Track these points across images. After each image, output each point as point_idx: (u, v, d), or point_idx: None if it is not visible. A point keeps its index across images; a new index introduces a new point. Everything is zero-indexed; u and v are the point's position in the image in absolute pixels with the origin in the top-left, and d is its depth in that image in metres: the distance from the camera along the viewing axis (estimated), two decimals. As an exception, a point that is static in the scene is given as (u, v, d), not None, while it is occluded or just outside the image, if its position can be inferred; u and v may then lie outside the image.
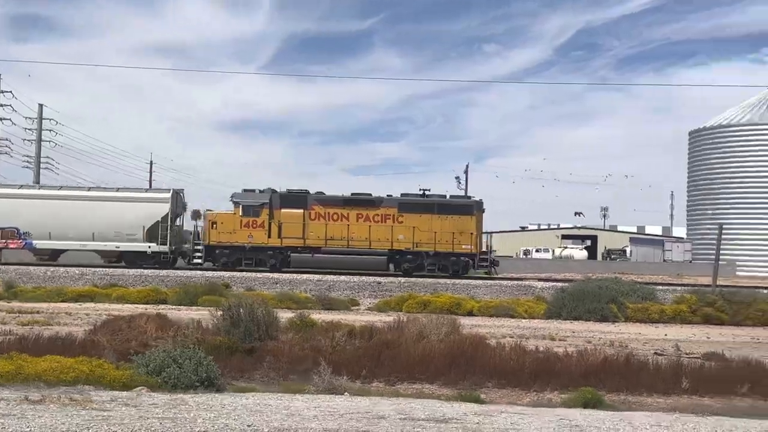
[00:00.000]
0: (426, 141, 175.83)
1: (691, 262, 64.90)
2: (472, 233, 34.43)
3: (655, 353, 15.04)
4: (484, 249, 35.30)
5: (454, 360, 13.68)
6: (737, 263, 62.78)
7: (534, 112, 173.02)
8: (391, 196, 35.40)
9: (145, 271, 31.37)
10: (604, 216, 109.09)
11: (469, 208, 35.18)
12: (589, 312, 23.07)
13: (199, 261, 34.87)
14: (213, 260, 34.66)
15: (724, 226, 33.91)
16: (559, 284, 30.99)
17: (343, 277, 31.13)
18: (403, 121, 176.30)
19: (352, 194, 35.61)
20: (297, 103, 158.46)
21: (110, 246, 35.12)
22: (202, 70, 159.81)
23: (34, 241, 34.96)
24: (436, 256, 34.43)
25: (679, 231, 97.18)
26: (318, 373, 10.41)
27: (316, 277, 31.41)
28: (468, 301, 25.72)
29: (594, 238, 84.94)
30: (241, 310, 14.11)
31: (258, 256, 34.58)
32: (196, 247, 35.20)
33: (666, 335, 19.24)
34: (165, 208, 35.34)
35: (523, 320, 22.83)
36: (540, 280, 34.50)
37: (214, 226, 34.55)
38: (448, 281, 31.92)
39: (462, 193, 55.59)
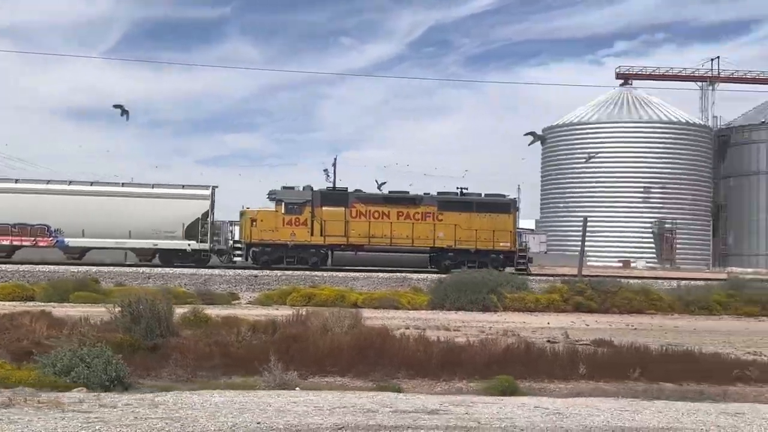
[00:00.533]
0: (282, 133, 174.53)
1: (546, 253, 68.32)
2: (510, 231, 35.71)
3: (548, 341, 15.68)
4: (520, 247, 36.64)
5: (362, 352, 13.68)
6: (587, 253, 66.81)
7: (387, 107, 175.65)
8: (428, 194, 36.26)
9: (2, 266, 29.13)
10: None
11: (506, 206, 36.67)
12: (472, 302, 23.85)
13: (239, 259, 34.97)
14: (254, 258, 34.33)
15: (571, 218, 36.51)
16: (434, 275, 31.62)
17: (217, 271, 30.78)
18: (258, 112, 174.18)
19: (390, 192, 36.90)
20: (148, 91, 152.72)
21: (147, 244, 34.73)
22: (41, 53, 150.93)
23: (66, 239, 34.11)
24: (477, 253, 35.32)
25: (527, 224, 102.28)
26: (268, 369, 10.25)
27: (190, 271, 30.76)
28: (350, 293, 25.91)
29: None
30: (141, 306, 13.67)
31: (300, 254, 34.77)
32: (236, 245, 35.32)
33: (549, 323, 20.24)
34: (205, 205, 35.41)
35: (411, 311, 23.22)
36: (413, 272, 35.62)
37: (254, 223, 34.60)
38: (325, 274, 31.82)
39: (330, 185, 55.97)
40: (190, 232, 34.99)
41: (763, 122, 73.29)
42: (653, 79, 78.62)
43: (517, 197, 42.97)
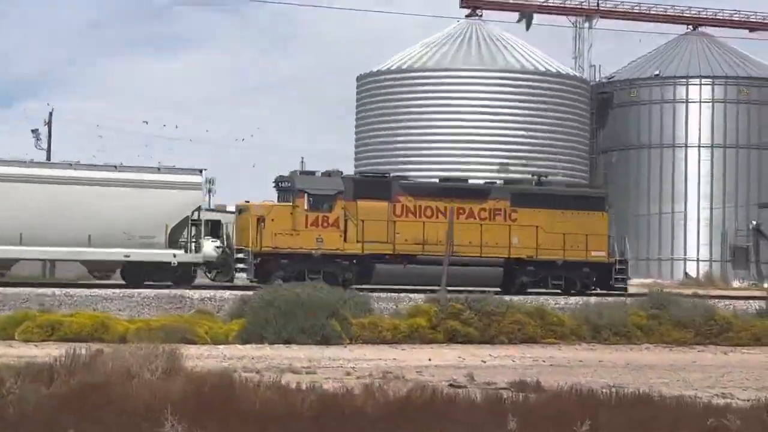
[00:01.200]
0: None
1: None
2: (604, 235, 36.39)
3: (450, 385, 16.53)
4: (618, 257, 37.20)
5: (202, 407, 14.13)
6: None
7: (98, 33, 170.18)
8: (494, 183, 36.97)
9: None
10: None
11: (599, 201, 37.53)
12: (305, 332, 24.38)
13: (243, 274, 34.08)
14: (264, 275, 32.92)
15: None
16: (225, 293, 31.97)
17: None
18: None
19: (444, 180, 38.00)
20: None
21: (114, 255, 34.27)
22: None
23: None
24: (564, 266, 36.16)
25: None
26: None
27: None
28: (113, 321, 25.67)
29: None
30: None
31: (327, 267, 34.41)
32: (238, 256, 34.29)
33: (430, 360, 21.38)
34: (197, 198, 35.85)
35: (219, 347, 23.44)
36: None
37: (263, 223, 34.00)
38: (48, 290, 31.13)
39: (43, 154, 54.59)
40: (175, 236, 35.17)
41: (657, 74, 79.18)
42: (510, 10, 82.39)
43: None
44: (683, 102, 78.34)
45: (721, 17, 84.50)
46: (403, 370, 18.89)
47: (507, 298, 30.41)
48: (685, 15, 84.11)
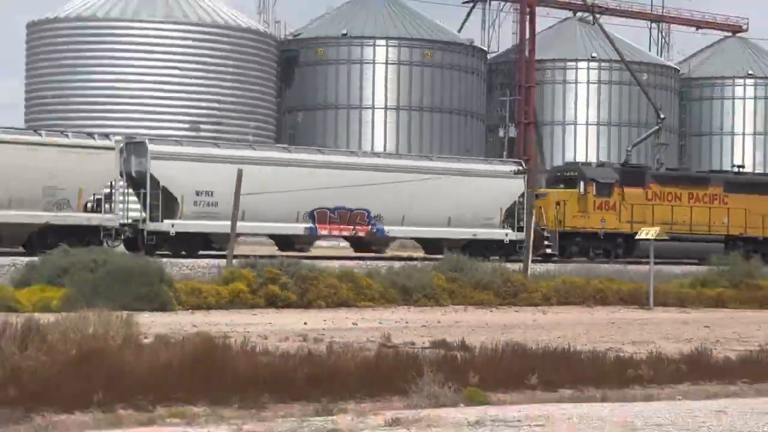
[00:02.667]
0: None
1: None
2: None
3: (383, 345, 17.96)
4: None
5: (199, 371, 14.52)
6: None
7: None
8: (714, 172, 53.22)
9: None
10: None
11: None
12: (141, 299, 24.99)
13: (549, 251, 43.94)
14: (561, 251, 44.83)
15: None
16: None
17: None
18: None
19: (674, 170, 53.75)
20: None
21: (465, 234, 44.15)
22: None
23: (386, 228, 41.87)
24: (765, 242, 48.70)
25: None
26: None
27: None
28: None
29: None
30: None
31: (606, 245, 45.96)
32: (546, 235, 44.35)
33: (306, 324, 22.49)
34: (521, 186, 45.04)
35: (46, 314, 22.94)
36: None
37: (561, 207, 45.30)
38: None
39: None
40: (508, 218, 45.39)
41: (343, 35, 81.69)
42: None
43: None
44: (370, 63, 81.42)
45: None
46: (298, 334, 19.79)
47: (323, 264, 32.50)
48: None
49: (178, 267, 31.46)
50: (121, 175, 39.15)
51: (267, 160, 42.04)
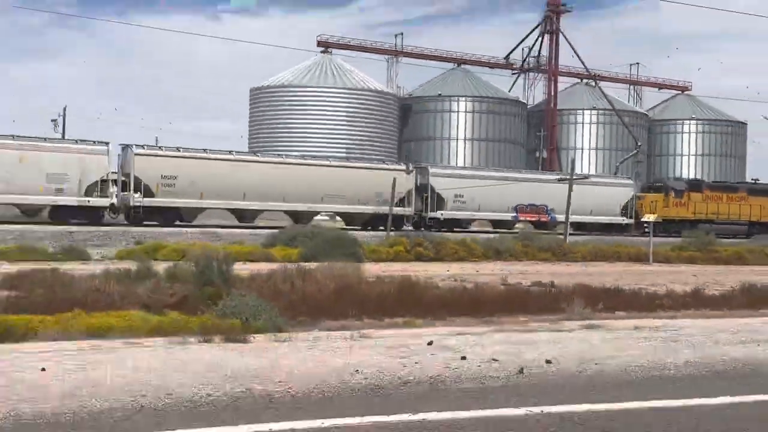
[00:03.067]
0: None
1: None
2: None
3: (503, 284, 17.71)
4: None
5: (403, 297, 14.48)
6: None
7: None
8: (735, 182, 62.78)
9: None
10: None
11: None
12: (346, 255, 24.07)
13: (646, 230, 41.53)
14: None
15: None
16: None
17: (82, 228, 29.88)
18: None
19: (718, 182, 60.61)
20: None
21: (604, 219, 48.68)
22: None
23: (556, 215, 45.35)
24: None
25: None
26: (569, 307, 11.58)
27: (52, 228, 29.16)
28: (219, 248, 24.89)
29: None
30: (214, 263, 13.21)
31: (678, 227, 45.63)
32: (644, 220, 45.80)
33: (448, 270, 22.36)
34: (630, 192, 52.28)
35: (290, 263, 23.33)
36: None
37: (653, 203, 48.14)
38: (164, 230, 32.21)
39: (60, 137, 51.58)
40: (622, 210, 50.06)
41: (439, 94, 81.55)
42: (351, 49, 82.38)
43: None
44: (455, 112, 79.68)
45: (478, 59, 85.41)
46: (449, 276, 19.94)
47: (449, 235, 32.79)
48: (453, 56, 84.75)
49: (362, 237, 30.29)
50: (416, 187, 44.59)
51: (495, 177, 47.36)
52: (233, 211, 41.01)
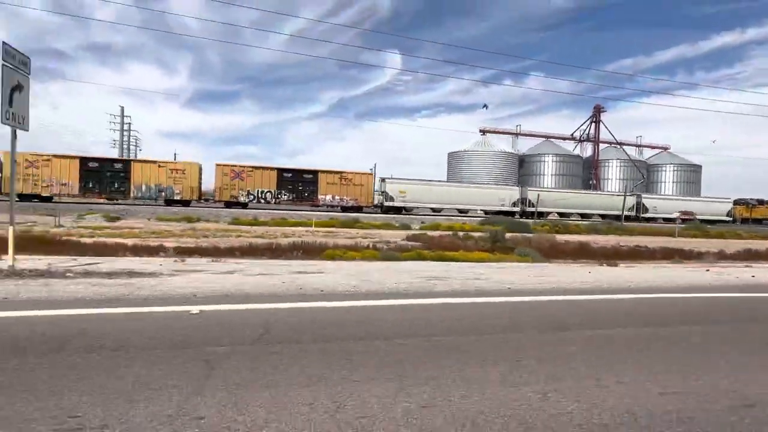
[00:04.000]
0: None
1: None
2: None
3: (613, 247, 20.34)
4: None
5: (579, 251, 17.99)
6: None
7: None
8: None
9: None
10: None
11: None
12: (522, 232, 29.71)
13: None
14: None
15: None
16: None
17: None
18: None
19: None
20: None
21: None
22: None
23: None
24: None
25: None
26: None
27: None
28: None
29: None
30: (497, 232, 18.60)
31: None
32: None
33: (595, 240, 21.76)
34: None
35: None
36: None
37: (737, 212, 52.70)
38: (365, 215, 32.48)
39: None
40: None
41: (538, 153, 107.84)
42: (497, 133, 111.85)
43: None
44: (546, 162, 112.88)
45: (557, 135, 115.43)
46: (595, 243, 24.14)
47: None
48: (543, 134, 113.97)
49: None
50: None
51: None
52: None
